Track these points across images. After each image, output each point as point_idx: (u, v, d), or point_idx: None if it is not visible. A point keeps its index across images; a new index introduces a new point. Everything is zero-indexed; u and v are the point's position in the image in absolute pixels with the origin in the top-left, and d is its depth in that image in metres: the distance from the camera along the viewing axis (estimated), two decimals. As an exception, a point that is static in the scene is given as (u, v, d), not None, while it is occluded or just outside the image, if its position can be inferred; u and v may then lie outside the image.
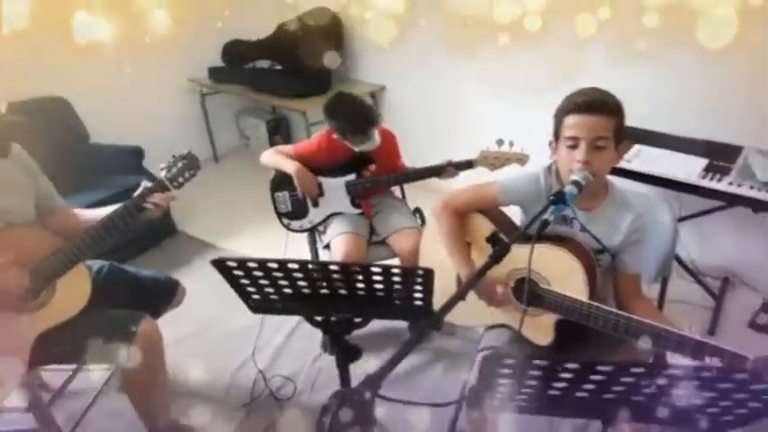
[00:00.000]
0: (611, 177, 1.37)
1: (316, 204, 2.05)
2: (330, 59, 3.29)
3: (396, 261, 1.96)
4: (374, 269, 1.05)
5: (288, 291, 1.16)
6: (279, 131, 3.86)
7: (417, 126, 3.36)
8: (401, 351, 0.82)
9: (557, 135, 1.28)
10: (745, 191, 1.94)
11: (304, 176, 1.96)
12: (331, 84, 3.28)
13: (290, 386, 2.01)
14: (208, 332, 2.28)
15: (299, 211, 2.07)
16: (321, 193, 2.03)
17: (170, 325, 1.77)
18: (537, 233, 1.11)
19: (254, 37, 3.47)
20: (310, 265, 1.08)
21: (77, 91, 2.90)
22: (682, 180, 2.04)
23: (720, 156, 2.12)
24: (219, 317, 2.29)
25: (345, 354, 1.32)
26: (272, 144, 3.61)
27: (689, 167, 2.09)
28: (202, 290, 2.04)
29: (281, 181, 2.05)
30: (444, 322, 2.09)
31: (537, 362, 0.75)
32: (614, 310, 1.19)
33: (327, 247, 2.01)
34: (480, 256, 1.44)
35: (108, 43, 2.93)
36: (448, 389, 1.96)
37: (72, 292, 1.47)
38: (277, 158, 2.01)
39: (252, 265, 1.10)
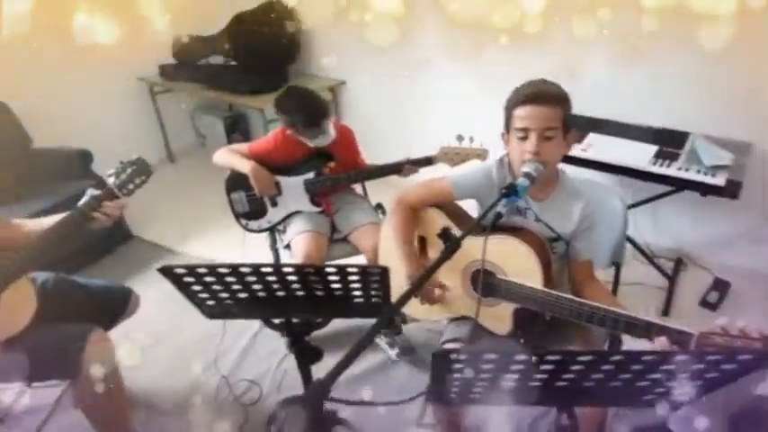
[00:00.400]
0: (561, 166, 1.39)
1: (274, 204, 2.01)
2: (286, 55, 3.24)
3: (359, 258, 1.95)
4: (329, 270, 1.03)
5: (243, 295, 1.13)
6: (236, 129, 3.77)
7: (378, 122, 3.35)
8: (352, 352, 0.81)
9: (507, 127, 1.30)
10: (692, 175, 2.02)
11: (260, 175, 1.92)
12: (288, 79, 3.22)
13: (255, 390, 1.97)
14: (169, 340, 2.21)
15: (257, 211, 2.03)
16: (279, 193, 1.99)
17: (128, 334, 1.70)
18: (490, 225, 1.12)
19: (205, 32, 3.37)
20: (264, 269, 1.05)
21: (17, 93, 2.74)
22: (633, 167, 2.11)
23: (669, 142, 2.20)
24: (180, 323, 2.22)
25: (305, 356, 1.30)
26: (230, 143, 3.52)
27: (640, 154, 2.16)
28: (161, 297, 1.96)
29: (236, 181, 2.00)
30: (406, 317, 2.10)
31: (487, 356, 0.75)
32: (568, 296, 1.21)
33: (288, 246, 1.97)
34: (435, 251, 1.45)
35: (49, 43, 2.78)
36: (419, 383, 1.97)
37: (15, 308, 1.39)
38: (231, 158, 1.96)
39: (202, 270, 1.06)
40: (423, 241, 1.49)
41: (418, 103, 3.12)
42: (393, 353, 2.05)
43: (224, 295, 1.13)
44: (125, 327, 1.74)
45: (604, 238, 1.57)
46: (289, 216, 2.02)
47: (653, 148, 2.18)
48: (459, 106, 2.92)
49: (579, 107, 2.45)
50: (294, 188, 1.98)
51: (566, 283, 1.47)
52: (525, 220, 1.37)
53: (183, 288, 1.11)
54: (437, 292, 1.42)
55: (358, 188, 2.25)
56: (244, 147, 2.00)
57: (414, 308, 1.48)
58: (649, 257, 2.50)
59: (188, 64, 3.43)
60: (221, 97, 3.27)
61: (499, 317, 1.37)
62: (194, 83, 3.32)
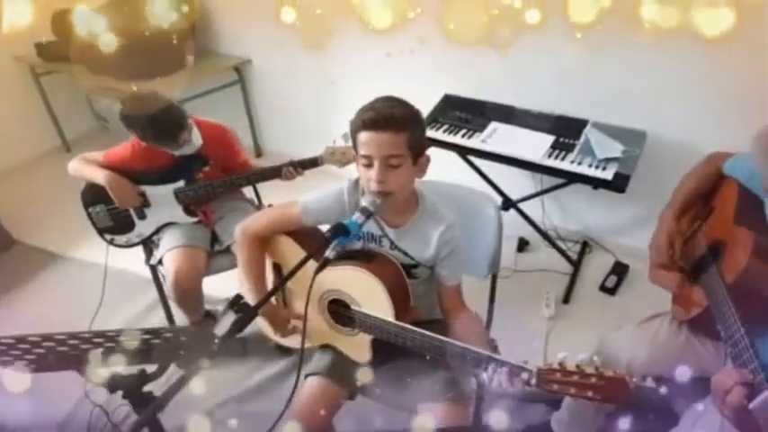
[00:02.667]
0: (423, 188, 1.30)
1: (142, 216, 1.84)
2: (181, 31, 2.94)
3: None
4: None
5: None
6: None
7: (288, 105, 3.15)
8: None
9: (355, 149, 1.18)
10: (583, 169, 1.98)
11: (118, 185, 1.73)
12: (185, 59, 2.94)
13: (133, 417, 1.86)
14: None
15: (122, 226, 1.85)
16: (147, 204, 1.82)
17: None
18: (316, 271, 1.02)
19: (89, 4, 3.01)
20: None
21: None
22: (528, 160, 2.05)
23: (567, 132, 2.15)
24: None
25: (145, 408, 1.19)
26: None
27: (538, 146, 2.10)
28: (48, 309, 1.80)
29: (95, 193, 1.80)
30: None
31: None
32: (417, 329, 1.14)
33: (161, 262, 1.82)
34: (295, 283, 1.34)
35: None
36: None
37: None
38: (84, 168, 1.75)
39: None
40: (278, 268, 1.38)
41: (334, 86, 2.91)
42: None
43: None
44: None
45: (479, 251, 1.51)
46: (161, 228, 1.86)
47: (550, 139, 2.13)
48: (379, 87, 2.71)
49: (484, 93, 2.42)
50: (163, 198, 1.80)
51: (436, 306, 1.41)
52: (381, 247, 1.29)
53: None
54: (294, 323, 1.34)
55: (249, 190, 2.09)
56: (99, 155, 1.79)
57: (285, 338, 1.41)
58: (554, 243, 2.50)
59: (70, 42, 3.07)
60: (109, 84, 2.95)
61: (358, 345, 1.30)
62: (79, 64, 2.98)
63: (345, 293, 1.25)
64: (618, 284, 2.38)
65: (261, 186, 2.05)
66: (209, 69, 2.97)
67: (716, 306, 1.20)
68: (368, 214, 1.10)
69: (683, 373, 1.29)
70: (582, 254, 2.57)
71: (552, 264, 2.50)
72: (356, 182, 1.27)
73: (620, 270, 2.44)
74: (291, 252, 1.31)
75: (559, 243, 2.56)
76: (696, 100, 2.07)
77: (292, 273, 1.01)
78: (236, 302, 0.93)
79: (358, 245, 1.30)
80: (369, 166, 1.14)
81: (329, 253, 1.03)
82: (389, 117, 1.10)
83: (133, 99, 1.72)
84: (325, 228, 1.36)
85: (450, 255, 1.27)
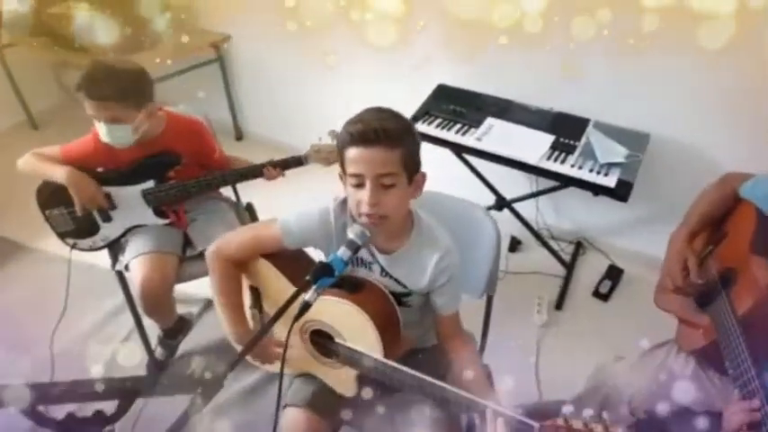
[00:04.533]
0: (418, 207, 1.17)
1: (107, 219, 1.67)
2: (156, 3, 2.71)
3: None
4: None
5: None
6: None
7: (271, 86, 2.95)
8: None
9: (343, 168, 1.04)
10: (585, 174, 1.87)
11: (81, 184, 1.56)
12: (160, 35, 2.72)
13: None
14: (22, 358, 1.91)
15: (85, 229, 1.69)
16: (112, 206, 1.65)
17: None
18: (296, 318, 0.90)
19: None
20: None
21: None
22: (526, 162, 1.92)
23: (567, 132, 2.02)
24: (42, 335, 1.90)
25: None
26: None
27: (536, 146, 1.97)
28: (11, 307, 1.64)
29: (52, 192, 1.63)
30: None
31: None
32: (406, 369, 1.04)
33: (128, 268, 1.67)
34: (273, 303, 1.22)
35: None
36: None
37: None
38: (39, 164, 1.57)
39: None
40: (256, 291, 1.25)
41: (327, 67, 2.68)
42: None
43: None
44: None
45: (475, 271, 1.39)
46: (129, 230, 1.70)
47: (550, 139, 2.00)
48: (372, 73, 2.54)
49: (481, 86, 2.27)
50: (131, 200, 1.64)
51: (432, 331, 1.30)
52: (370, 273, 1.16)
53: None
54: (276, 350, 1.23)
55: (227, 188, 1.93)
56: (55, 150, 1.61)
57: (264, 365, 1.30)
58: (548, 245, 2.41)
59: (37, 12, 2.81)
60: (78, 59, 2.71)
61: (344, 380, 1.20)
62: (42, 36, 2.74)
63: (329, 325, 1.13)
64: (612, 290, 2.31)
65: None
66: (186, 46, 2.75)
67: (724, 337, 1.11)
68: (355, 248, 0.97)
69: (690, 409, 1.23)
70: (575, 255, 2.48)
71: (545, 265, 2.41)
72: (344, 201, 1.13)
73: (614, 274, 2.36)
74: (270, 276, 1.18)
75: (552, 243, 2.47)
76: (699, 101, 1.96)
77: (276, 316, 0.89)
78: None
79: (345, 270, 1.17)
80: (359, 186, 1.00)
81: (310, 297, 0.91)
82: (381, 130, 0.96)
83: (93, 63, 1.51)
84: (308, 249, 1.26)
85: (447, 283, 1.15)
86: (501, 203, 2.33)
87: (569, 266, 2.40)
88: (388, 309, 1.13)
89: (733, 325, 1.08)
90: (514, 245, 2.53)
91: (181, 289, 1.78)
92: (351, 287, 1.12)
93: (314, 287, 0.91)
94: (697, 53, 1.76)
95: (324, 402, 1.23)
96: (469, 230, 1.39)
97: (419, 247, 1.14)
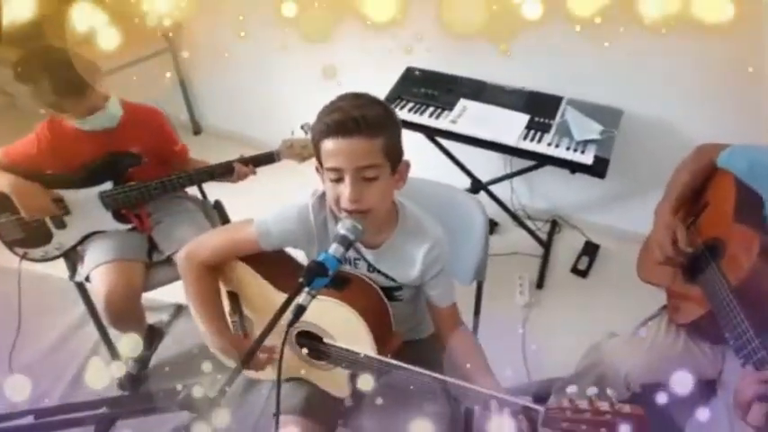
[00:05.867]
0: (404, 197, 1.11)
1: (61, 225, 1.53)
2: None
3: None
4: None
5: None
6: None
7: (232, 77, 2.77)
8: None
9: (320, 161, 0.96)
10: (561, 152, 1.85)
11: (24, 192, 1.42)
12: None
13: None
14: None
15: (37, 237, 1.54)
16: (66, 211, 1.51)
17: None
18: (290, 323, 0.83)
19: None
20: None
21: None
22: (502, 143, 1.89)
23: (541, 111, 2.00)
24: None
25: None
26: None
27: (512, 126, 1.94)
28: None
29: (-4, 201, 1.48)
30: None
31: None
32: (402, 364, 0.98)
33: (89, 279, 1.54)
34: (253, 308, 1.14)
35: None
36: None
37: None
38: None
39: None
40: (234, 296, 1.16)
41: (289, 50, 2.53)
42: None
43: None
44: None
45: (464, 258, 1.35)
46: (87, 237, 1.56)
47: (525, 118, 1.97)
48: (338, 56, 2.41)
49: (449, 66, 2.21)
50: (87, 204, 1.50)
51: (428, 320, 1.25)
52: (357, 270, 1.10)
53: None
54: (264, 356, 1.14)
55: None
56: (-1, 153, 1.46)
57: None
58: (524, 224, 2.40)
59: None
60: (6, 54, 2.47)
61: (336, 381, 1.13)
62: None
63: (316, 326, 1.06)
64: (590, 265, 2.33)
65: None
66: (132, 38, 2.55)
67: (719, 308, 1.11)
68: (348, 244, 0.90)
69: (684, 381, 1.23)
70: (552, 234, 2.49)
71: (523, 245, 2.41)
72: (323, 195, 1.05)
73: (591, 250, 2.38)
74: (248, 280, 1.10)
75: (528, 223, 2.47)
76: (670, 77, 1.96)
77: (270, 326, 0.82)
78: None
79: (338, 268, 1.10)
80: (338, 180, 0.93)
81: (304, 300, 0.83)
82: (360, 118, 0.89)
83: (32, 49, 1.40)
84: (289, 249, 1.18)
85: (440, 274, 1.10)
86: (477, 186, 2.30)
87: (546, 245, 2.40)
88: (379, 303, 1.07)
89: (728, 295, 1.08)
90: (492, 227, 2.51)
91: (149, 296, 1.66)
92: (337, 284, 1.04)
93: (307, 289, 0.84)
94: (668, 30, 1.76)
95: (317, 407, 1.16)
96: (455, 217, 1.34)
97: (406, 238, 1.08)
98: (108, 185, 1.50)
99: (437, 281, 1.10)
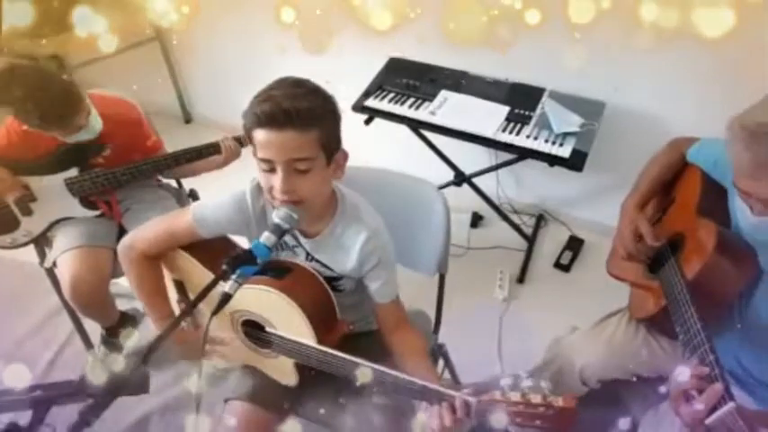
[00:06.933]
0: (346, 186, 1.09)
1: (27, 212, 1.54)
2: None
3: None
4: None
5: None
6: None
7: (223, 64, 2.77)
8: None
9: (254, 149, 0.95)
10: (540, 145, 1.82)
11: None
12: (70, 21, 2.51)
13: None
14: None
15: (4, 224, 1.55)
16: (32, 198, 1.52)
17: None
18: (214, 311, 0.82)
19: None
20: None
21: None
22: (481, 135, 1.86)
23: (522, 103, 1.96)
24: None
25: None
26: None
27: (491, 118, 1.91)
28: None
29: (-39, 187, 1.49)
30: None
31: None
32: (343, 355, 0.97)
33: (56, 265, 1.55)
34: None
35: None
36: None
37: None
38: None
39: None
40: (180, 284, 1.16)
41: (283, 34, 2.50)
42: None
43: None
44: None
45: (425, 248, 1.33)
46: (55, 224, 1.57)
47: (505, 110, 1.94)
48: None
49: (433, 57, 2.18)
50: (53, 190, 1.51)
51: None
52: (295, 258, 1.09)
53: None
54: (209, 347, 1.14)
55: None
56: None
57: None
58: (509, 219, 2.37)
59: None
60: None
61: (282, 368, 1.13)
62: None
63: (257, 315, 1.06)
64: (573, 260, 2.30)
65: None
66: (120, 28, 2.55)
67: (673, 302, 1.08)
68: (281, 233, 0.89)
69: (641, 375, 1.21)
70: (537, 228, 2.45)
71: (507, 239, 2.38)
72: (259, 184, 1.04)
73: (574, 245, 2.34)
74: (190, 268, 1.09)
75: (514, 217, 2.43)
76: (653, 69, 1.91)
77: (188, 309, 0.82)
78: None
79: (269, 256, 1.09)
80: (271, 171, 0.91)
81: (230, 288, 0.82)
82: (293, 111, 0.86)
83: (12, 68, 1.37)
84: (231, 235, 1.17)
85: (377, 267, 1.07)
86: (461, 179, 2.27)
87: (531, 240, 2.37)
88: (319, 293, 1.06)
89: (682, 289, 1.05)
90: (476, 220, 2.48)
91: (123, 282, 1.67)
92: (277, 273, 1.03)
93: (233, 277, 0.83)
94: (651, 23, 1.72)
95: (266, 394, 1.16)
96: (417, 208, 1.32)
97: (343, 228, 1.06)
98: (73, 172, 1.50)
99: (375, 273, 1.07)
